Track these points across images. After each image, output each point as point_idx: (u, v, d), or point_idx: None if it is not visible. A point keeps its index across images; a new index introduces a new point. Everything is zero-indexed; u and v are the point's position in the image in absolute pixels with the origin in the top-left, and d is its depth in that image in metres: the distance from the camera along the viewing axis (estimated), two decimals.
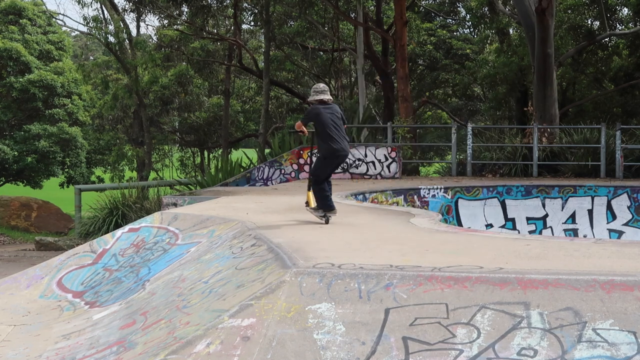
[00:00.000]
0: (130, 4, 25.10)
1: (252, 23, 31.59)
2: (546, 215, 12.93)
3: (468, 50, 28.60)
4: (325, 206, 7.07)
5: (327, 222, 6.99)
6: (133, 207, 15.04)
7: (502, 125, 24.56)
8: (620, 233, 12.77)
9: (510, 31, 25.49)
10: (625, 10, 24.24)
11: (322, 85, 7.19)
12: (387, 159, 14.86)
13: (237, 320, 4.08)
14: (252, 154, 22.05)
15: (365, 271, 4.32)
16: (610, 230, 12.80)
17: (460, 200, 12.79)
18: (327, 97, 7.04)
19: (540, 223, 12.90)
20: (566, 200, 12.97)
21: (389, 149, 14.98)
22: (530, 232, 12.64)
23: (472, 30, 30.37)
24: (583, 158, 15.49)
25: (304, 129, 7.27)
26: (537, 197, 12.98)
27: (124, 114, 29.88)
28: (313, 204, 7.20)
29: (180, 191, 16.58)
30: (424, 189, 12.69)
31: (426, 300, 3.98)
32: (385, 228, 6.78)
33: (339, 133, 6.95)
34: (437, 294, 4.01)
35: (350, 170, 14.82)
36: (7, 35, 27.44)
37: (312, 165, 7.35)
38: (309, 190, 7.27)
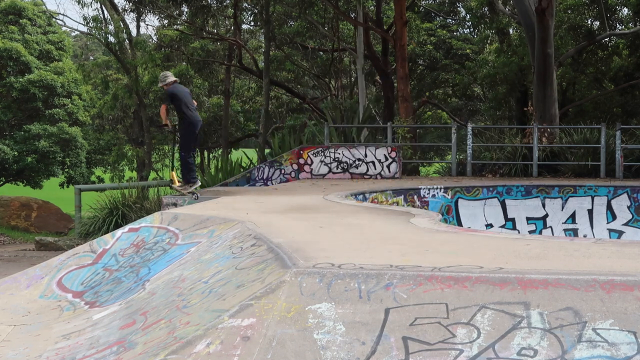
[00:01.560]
0: (130, 4, 25.11)
1: (252, 23, 31.62)
2: (546, 215, 12.93)
3: (468, 50, 28.60)
4: (191, 178, 7.84)
5: (197, 198, 7.72)
6: (133, 207, 15.04)
7: (502, 125, 24.56)
8: (620, 233, 12.77)
9: (510, 31, 25.50)
10: (625, 10, 24.24)
11: (166, 71, 8.80)
12: (387, 159, 14.86)
13: (237, 320, 4.08)
14: (252, 154, 22.07)
15: (365, 271, 4.32)
16: (610, 230, 12.80)
17: (460, 200, 12.79)
18: (175, 78, 8.53)
19: (540, 223, 12.90)
20: (566, 200, 12.97)
21: (389, 149, 14.98)
22: (530, 232, 12.64)
23: (472, 30, 30.38)
24: (583, 158, 15.49)
25: (168, 121, 8.76)
26: (537, 197, 12.98)
27: (124, 114, 29.89)
28: (178, 182, 7.97)
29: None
30: (424, 189, 12.69)
31: (426, 300, 3.98)
32: (385, 228, 6.78)
33: (193, 104, 8.26)
34: (437, 294, 4.01)
35: (350, 170, 14.83)
36: (7, 35, 27.44)
37: (180, 141, 8.47)
38: (172, 170, 8.34)
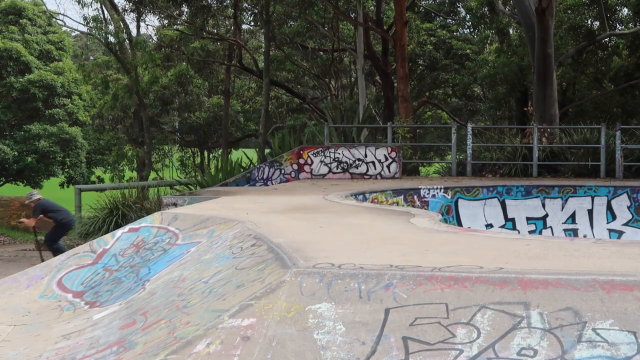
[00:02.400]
0: (130, 4, 25.12)
1: (252, 23, 31.62)
2: (546, 215, 12.93)
3: (468, 50, 28.60)
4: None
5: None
6: (133, 207, 15.04)
7: (502, 125, 24.56)
8: (620, 233, 12.77)
9: (510, 31, 25.50)
10: (625, 10, 24.24)
11: (34, 191, 10.09)
12: (387, 159, 14.86)
13: (237, 320, 4.08)
14: (252, 154, 22.06)
15: (365, 271, 4.32)
16: (610, 230, 12.80)
17: (460, 200, 12.79)
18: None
19: (540, 223, 12.90)
20: (566, 200, 12.97)
21: (389, 149, 14.98)
22: (530, 232, 12.64)
23: (472, 30, 30.37)
24: (583, 158, 15.49)
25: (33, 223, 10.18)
26: (537, 197, 12.98)
27: (124, 114, 29.88)
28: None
29: (180, 191, 16.59)
30: (424, 189, 12.69)
31: (426, 300, 3.98)
32: (385, 228, 6.78)
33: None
34: (437, 294, 4.02)
35: (350, 170, 14.83)
36: (7, 35, 27.44)
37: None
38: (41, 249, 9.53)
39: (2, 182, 28.54)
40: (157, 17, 26.57)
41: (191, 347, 3.96)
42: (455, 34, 30.61)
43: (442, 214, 12.07)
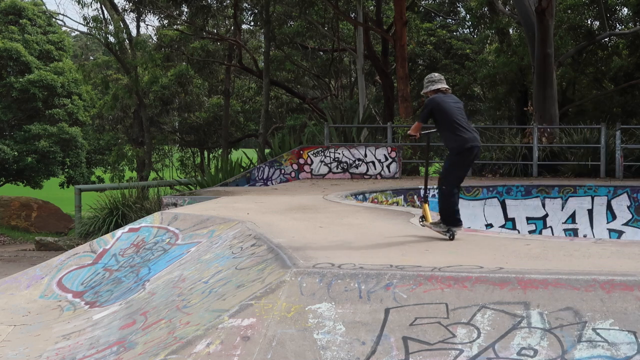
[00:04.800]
0: (130, 4, 25.10)
1: (252, 23, 31.61)
2: (546, 215, 12.93)
3: (468, 50, 28.60)
4: (451, 220, 5.90)
5: (452, 238, 5.85)
6: (133, 207, 15.04)
7: (502, 125, 24.55)
8: (620, 233, 12.77)
9: (510, 31, 25.49)
10: (625, 10, 24.24)
11: (436, 74, 6.11)
12: (387, 159, 14.86)
13: (237, 320, 4.08)
14: (252, 154, 22.06)
15: (365, 271, 4.32)
16: (610, 230, 12.80)
17: (460, 200, 12.78)
18: (445, 86, 6.02)
19: (540, 223, 12.90)
20: (566, 200, 12.97)
21: (389, 149, 14.98)
22: (530, 232, 12.64)
23: (472, 30, 30.37)
24: (583, 158, 15.48)
25: (417, 133, 6.00)
26: (537, 197, 12.98)
27: (124, 114, 29.88)
28: (431, 218, 6.15)
29: (180, 191, 16.59)
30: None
31: (426, 300, 3.98)
32: (385, 228, 6.78)
33: (467, 123, 5.87)
34: (437, 294, 4.02)
35: (350, 170, 14.83)
36: (7, 35, 27.44)
37: (442, 170, 6.18)
38: (425, 202, 6.27)
39: (2, 182, 28.55)
40: (157, 17, 26.54)
41: (191, 347, 3.96)
42: (455, 34, 30.60)
43: None
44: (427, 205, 6.16)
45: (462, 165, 5.95)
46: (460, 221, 5.98)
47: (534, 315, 3.77)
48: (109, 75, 29.79)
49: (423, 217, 6.26)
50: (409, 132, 6.04)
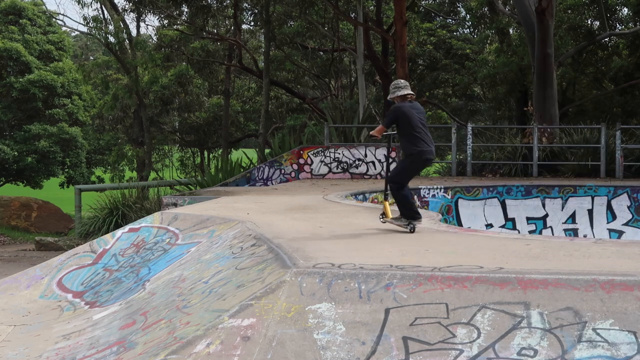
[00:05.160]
0: (130, 4, 25.09)
1: (252, 23, 31.61)
2: (546, 215, 12.93)
3: (468, 50, 28.60)
4: (410, 213, 6.40)
5: (412, 230, 6.35)
6: (133, 207, 15.04)
7: (502, 125, 24.55)
8: (620, 233, 12.77)
9: (510, 31, 25.49)
10: (625, 10, 24.24)
11: (402, 81, 6.57)
12: (387, 159, 14.85)
13: (237, 320, 4.08)
14: (252, 154, 22.06)
15: (365, 271, 4.32)
16: (610, 230, 12.80)
17: (460, 200, 12.79)
18: (410, 92, 6.45)
19: (540, 223, 12.90)
20: (566, 200, 12.97)
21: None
22: (530, 232, 12.64)
23: (472, 30, 30.37)
24: (583, 158, 15.49)
25: (379, 135, 6.53)
26: (537, 197, 12.98)
27: (124, 114, 29.88)
28: (391, 214, 6.62)
29: (180, 191, 16.59)
30: (424, 189, 12.69)
31: (426, 300, 3.98)
32: (386, 228, 6.77)
33: (427, 134, 6.37)
34: (437, 294, 4.02)
35: (350, 170, 14.83)
36: (7, 35, 27.44)
37: (393, 170, 6.68)
38: (385, 200, 6.72)
39: (2, 182, 28.55)
40: (157, 17, 26.52)
41: (191, 347, 3.96)
42: (455, 34, 30.60)
43: (442, 214, 12.07)
44: (387, 202, 6.65)
45: (413, 171, 6.61)
46: (419, 214, 6.50)
47: (534, 315, 3.77)
48: (109, 75, 29.79)
49: (383, 214, 6.70)
50: (372, 132, 6.55)
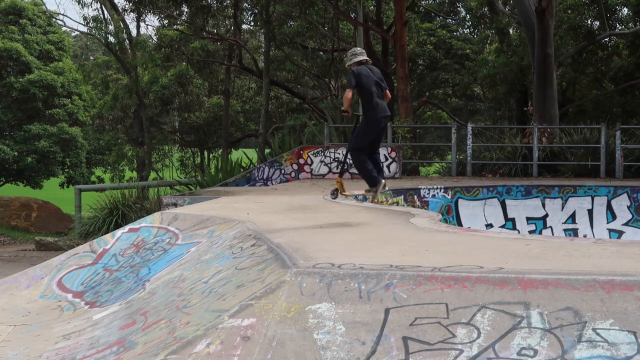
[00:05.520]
0: (130, 4, 25.08)
1: (252, 23, 31.60)
2: (546, 215, 12.93)
3: (468, 50, 28.61)
4: (368, 179, 6.65)
5: (374, 197, 6.57)
6: (133, 207, 15.04)
7: (502, 125, 24.56)
8: (620, 233, 12.77)
9: (510, 31, 25.49)
10: (625, 10, 24.24)
11: (358, 48, 6.97)
12: (387, 159, 14.86)
13: (237, 320, 4.08)
14: (252, 154, 22.06)
15: (365, 271, 4.32)
16: (610, 230, 12.80)
17: (460, 200, 12.79)
18: (366, 58, 6.82)
19: (540, 223, 12.90)
20: (566, 200, 12.97)
21: (389, 149, 14.98)
22: (530, 232, 12.64)
23: (472, 30, 30.37)
24: (583, 158, 15.49)
25: (349, 109, 6.65)
26: (537, 197, 12.99)
27: (124, 114, 29.87)
28: (347, 190, 6.92)
29: (180, 191, 16.59)
30: (424, 189, 12.69)
31: (426, 300, 3.98)
32: (385, 228, 6.78)
33: (380, 93, 6.66)
34: (437, 294, 4.02)
35: (351, 170, 14.82)
36: (7, 35, 27.44)
37: (351, 138, 6.96)
38: (340, 176, 7.17)
39: (2, 182, 28.55)
40: (157, 17, 26.51)
41: (191, 347, 3.96)
42: (455, 34, 30.60)
43: (442, 214, 12.07)
44: (340, 178, 7.11)
45: (371, 132, 6.75)
46: (381, 176, 6.78)
47: (534, 315, 3.77)
48: (109, 75, 29.78)
49: (336, 191, 7.03)
50: (344, 107, 6.70)
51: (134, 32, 28.74)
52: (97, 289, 7.17)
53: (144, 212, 13.90)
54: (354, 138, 6.83)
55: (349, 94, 6.65)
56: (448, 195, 12.75)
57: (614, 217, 12.86)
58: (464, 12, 29.58)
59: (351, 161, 6.85)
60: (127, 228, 8.77)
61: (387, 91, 6.85)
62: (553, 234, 12.55)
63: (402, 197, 12.39)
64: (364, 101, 6.62)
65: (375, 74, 6.70)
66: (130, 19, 27.70)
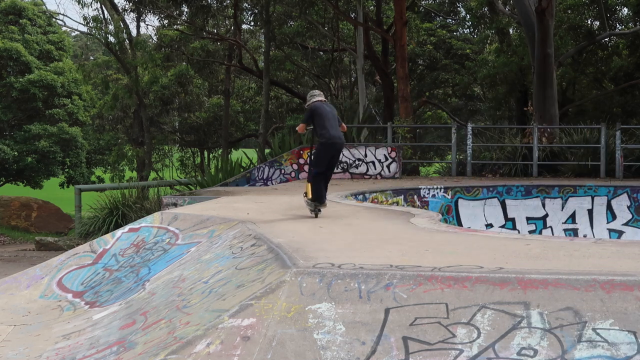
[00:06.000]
0: (130, 4, 25.09)
1: (252, 23, 31.61)
2: (546, 215, 12.93)
3: (468, 50, 28.61)
4: (316, 197, 7.74)
5: (316, 215, 7.69)
6: (133, 207, 15.04)
7: (502, 125, 24.56)
8: (620, 233, 12.77)
9: (510, 31, 25.49)
10: (625, 10, 24.24)
11: (317, 90, 8.22)
12: (387, 159, 14.86)
13: (237, 320, 4.08)
14: (252, 154, 22.05)
15: (365, 271, 4.32)
16: (610, 230, 12.80)
17: (460, 200, 12.79)
18: (323, 98, 8.04)
19: (540, 223, 12.90)
20: (566, 200, 12.97)
21: (389, 149, 14.98)
22: (530, 232, 12.64)
23: (472, 30, 30.37)
24: (583, 158, 15.48)
25: (302, 131, 8.14)
26: (537, 197, 12.99)
27: (124, 114, 29.87)
28: (311, 195, 7.87)
29: (180, 191, 16.58)
30: (424, 189, 12.69)
31: (426, 300, 3.98)
32: (385, 228, 6.78)
33: (334, 124, 7.76)
34: (437, 294, 4.02)
35: (350, 170, 14.82)
36: (7, 35, 27.44)
37: (313, 157, 8.06)
38: (308, 181, 8.01)
39: (2, 182, 28.55)
40: (157, 17, 26.51)
41: (191, 347, 3.96)
42: (455, 34, 30.60)
43: (442, 214, 12.07)
44: (309, 184, 7.95)
45: (326, 156, 7.80)
46: (323, 200, 7.82)
47: (534, 315, 3.77)
48: (109, 75, 29.79)
49: (307, 193, 7.98)
50: (297, 128, 8.17)
51: (134, 32, 28.75)
52: (97, 289, 7.17)
53: (144, 212, 13.90)
54: (314, 163, 7.97)
55: (302, 128, 8.08)
56: (448, 195, 12.75)
57: (614, 217, 12.86)
58: (464, 12, 29.58)
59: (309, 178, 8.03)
60: (127, 228, 8.77)
61: (343, 124, 8.05)
62: (553, 234, 12.55)
63: (402, 197, 12.39)
64: (320, 130, 7.69)
65: (331, 108, 7.95)
66: (130, 19, 27.72)
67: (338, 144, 7.77)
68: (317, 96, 8.02)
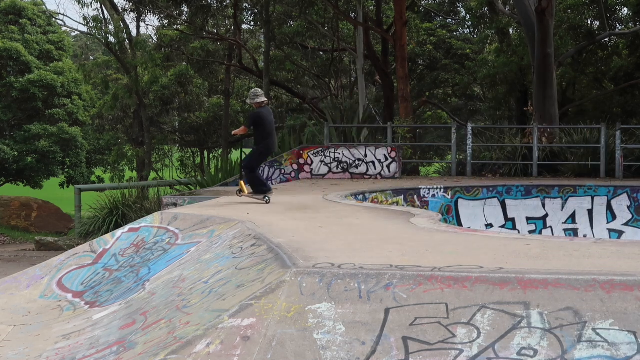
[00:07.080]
0: (130, 4, 25.07)
1: (252, 23, 31.61)
2: (546, 215, 12.93)
3: (468, 50, 28.60)
4: (265, 188, 9.04)
5: (268, 202, 8.85)
6: (133, 207, 15.04)
7: (502, 125, 24.56)
8: (620, 233, 12.77)
9: (510, 31, 25.48)
10: (625, 10, 24.23)
11: (259, 90, 9.16)
12: (387, 159, 14.86)
13: (237, 320, 4.08)
14: None
15: (365, 271, 4.32)
16: (610, 230, 12.80)
17: (460, 200, 12.79)
18: (265, 100, 9.05)
19: (540, 223, 12.90)
20: (566, 200, 12.97)
21: (389, 149, 14.98)
22: (530, 232, 12.64)
23: (472, 30, 30.37)
24: (583, 158, 15.48)
25: (239, 133, 9.38)
26: (537, 197, 12.98)
27: (124, 114, 29.86)
28: (247, 191, 9.16)
29: (180, 191, 16.59)
30: (424, 189, 12.69)
31: (426, 300, 3.98)
32: (385, 228, 6.78)
33: (274, 131, 9.07)
34: (437, 294, 4.02)
35: (350, 170, 14.83)
36: (7, 35, 27.43)
37: (246, 158, 9.34)
38: (240, 179, 9.34)
39: (2, 182, 28.54)
40: (157, 17, 26.49)
41: (191, 347, 3.96)
42: (455, 34, 30.59)
43: (442, 214, 12.07)
44: (242, 181, 9.30)
45: (263, 158, 9.61)
46: (269, 188, 9.26)
47: (534, 315, 3.77)
48: (109, 75, 29.77)
49: (240, 190, 9.29)
50: (235, 131, 9.40)
51: (134, 32, 28.74)
52: (97, 289, 7.17)
53: (144, 212, 13.90)
54: (251, 161, 9.18)
55: (244, 130, 9.26)
56: (448, 195, 12.75)
57: (614, 217, 12.86)
58: (464, 12, 29.58)
59: (245, 176, 9.27)
60: (127, 228, 8.77)
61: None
62: (553, 234, 12.55)
63: (402, 197, 12.39)
64: (263, 134, 8.89)
65: (269, 113, 9.05)
66: (130, 19, 27.70)
67: (273, 149, 9.36)
68: (260, 97, 8.93)
